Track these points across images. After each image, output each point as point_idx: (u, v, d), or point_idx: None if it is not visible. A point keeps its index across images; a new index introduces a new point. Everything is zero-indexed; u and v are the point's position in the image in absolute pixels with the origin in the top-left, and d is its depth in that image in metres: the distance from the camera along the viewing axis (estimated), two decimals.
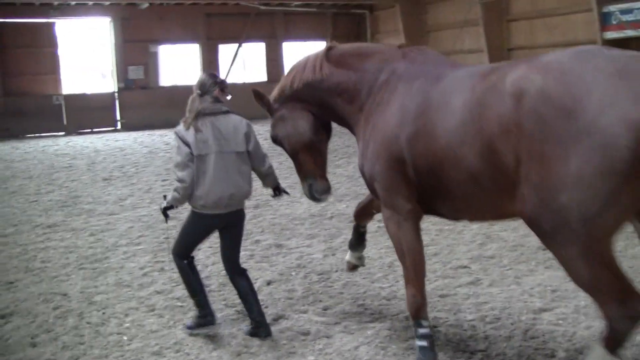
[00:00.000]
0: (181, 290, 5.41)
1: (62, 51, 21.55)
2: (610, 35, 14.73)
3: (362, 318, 4.66)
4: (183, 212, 4.97)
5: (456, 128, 3.20)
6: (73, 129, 20.30)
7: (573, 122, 2.66)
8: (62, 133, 20.08)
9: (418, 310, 3.73)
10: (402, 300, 4.98)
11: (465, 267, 5.77)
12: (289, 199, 8.99)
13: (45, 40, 20.88)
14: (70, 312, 5.03)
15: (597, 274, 2.84)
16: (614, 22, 14.62)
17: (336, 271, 5.75)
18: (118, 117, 21.17)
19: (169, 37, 22.54)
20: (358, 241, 4.85)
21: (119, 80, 21.68)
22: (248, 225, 7.59)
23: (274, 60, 23.91)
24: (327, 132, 4.43)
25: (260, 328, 4.40)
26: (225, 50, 23.56)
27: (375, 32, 25.38)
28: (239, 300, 5.10)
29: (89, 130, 20.48)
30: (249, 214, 8.22)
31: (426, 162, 3.39)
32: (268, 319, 4.65)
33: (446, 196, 3.45)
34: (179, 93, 22.93)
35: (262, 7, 22.62)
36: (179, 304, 5.10)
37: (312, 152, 4.31)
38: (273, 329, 4.51)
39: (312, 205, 8.56)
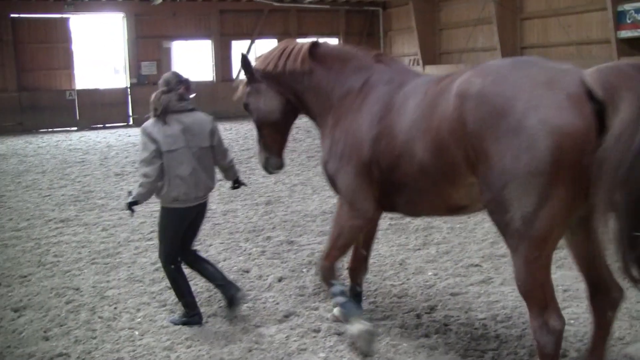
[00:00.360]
0: (192, 286, 5.41)
1: (75, 46, 21.72)
2: (625, 34, 14.57)
3: (373, 315, 4.65)
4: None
5: (410, 127, 3.50)
6: (86, 124, 20.44)
7: (505, 121, 2.89)
8: (75, 128, 20.22)
9: (330, 276, 4.15)
10: (413, 298, 4.98)
11: (476, 265, 5.74)
12: (300, 197, 9.01)
13: (59, 36, 21.02)
14: (82, 306, 5.07)
15: (532, 278, 3.02)
16: (629, 21, 14.44)
17: (347, 268, 5.74)
18: (130, 113, 21.28)
19: (182, 33, 22.61)
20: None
21: (131, 76, 21.78)
22: (259, 222, 7.64)
23: None
24: (294, 116, 4.69)
25: (228, 290, 4.62)
26: (238, 47, 23.58)
27: (388, 30, 25.29)
28: (250, 297, 5.14)
29: (102, 125, 20.61)
30: (260, 210, 8.27)
31: (387, 160, 3.69)
32: (279, 316, 4.68)
33: (403, 191, 3.72)
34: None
35: (276, 4, 22.62)
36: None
37: (276, 130, 4.60)
38: (284, 325, 4.52)
39: (324, 203, 8.57)
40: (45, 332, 4.59)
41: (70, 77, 21.24)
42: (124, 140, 16.88)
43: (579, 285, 5.04)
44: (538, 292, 3.05)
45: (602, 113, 2.74)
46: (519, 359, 3.91)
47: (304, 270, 5.81)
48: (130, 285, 5.53)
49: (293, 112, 4.62)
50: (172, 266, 4.64)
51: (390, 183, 3.75)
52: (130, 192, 4.54)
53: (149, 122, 4.48)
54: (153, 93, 4.57)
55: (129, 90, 21.54)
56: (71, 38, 21.33)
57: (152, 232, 7.34)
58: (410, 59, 23.70)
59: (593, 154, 2.71)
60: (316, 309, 4.83)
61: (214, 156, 4.67)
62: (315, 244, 6.63)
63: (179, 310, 4.87)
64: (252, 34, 23.41)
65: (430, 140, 3.32)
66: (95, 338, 4.46)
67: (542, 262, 3.01)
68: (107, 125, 20.62)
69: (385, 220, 7.44)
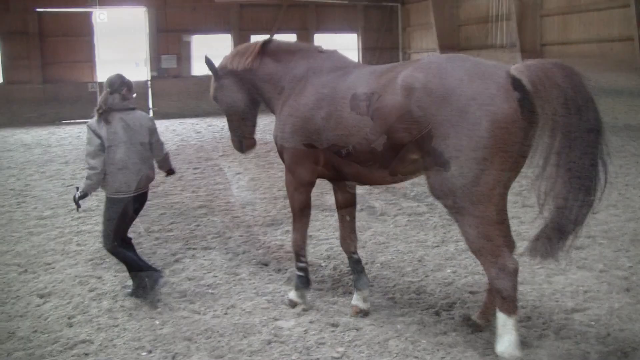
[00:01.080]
0: (212, 278, 5.50)
1: (98, 40, 21.95)
2: None
3: (391, 311, 4.68)
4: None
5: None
6: None
7: (448, 108, 3.50)
8: None
9: (300, 250, 4.76)
10: (432, 295, 4.99)
11: None
12: (319, 191, 9.03)
13: (83, 29, 21.27)
14: (104, 294, 5.16)
15: (481, 235, 3.52)
16: None
17: (366, 263, 5.75)
18: (150, 105, 21.43)
19: (202, 27, 22.74)
20: (357, 272, 4.74)
21: (152, 69, 21.97)
22: (278, 215, 7.69)
23: None
24: (258, 103, 5.19)
25: (151, 275, 5.03)
26: None
27: (407, 25, 25.19)
28: (269, 289, 5.19)
29: None
30: (278, 204, 8.32)
31: (336, 135, 4.22)
32: (298, 309, 4.71)
33: (350, 162, 4.26)
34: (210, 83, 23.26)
35: None
36: (210, 290, 5.18)
37: (243, 116, 5.18)
38: (302, 319, 4.56)
39: None
40: (69, 318, 4.69)
41: (92, 69, 21.52)
42: None
43: (601, 287, 5.02)
44: (489, 245, 3.52)
45: (524, 100, 3.42)
46: (538, 358, 3.91)
47: (323, 264, 5.85)
48: None
49: (256, 100, 5.14)
50: (115, 243, 5.00)
51: (339, 155, 4.27)
52: (77, 188, 4.95)
53: (93, 120, 4.88)
54: (101, 94, 5.00)
55: (149, 83, 21.71)
56: (94, 31, 21.58)
57: (172, 223, 7.43)
58: (428, 55, 23.58)
59: (520, 129, 3.43)
60: (334, 303, 4.87)
61: (152, 150, 5.13)
62: (334, 239, 6.66)
63: (199, 301, 4.95)
64: (271, 29, 23.45)
65: (379, 124, 3.89)
66: (117, 326, 4.55)
67: (489, 220, 3.52)
68: None
69: (404, 217, 7.45)
